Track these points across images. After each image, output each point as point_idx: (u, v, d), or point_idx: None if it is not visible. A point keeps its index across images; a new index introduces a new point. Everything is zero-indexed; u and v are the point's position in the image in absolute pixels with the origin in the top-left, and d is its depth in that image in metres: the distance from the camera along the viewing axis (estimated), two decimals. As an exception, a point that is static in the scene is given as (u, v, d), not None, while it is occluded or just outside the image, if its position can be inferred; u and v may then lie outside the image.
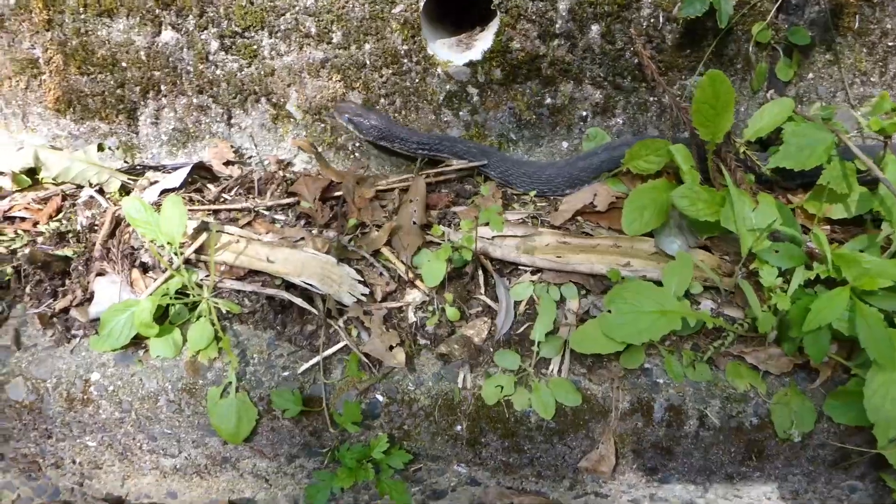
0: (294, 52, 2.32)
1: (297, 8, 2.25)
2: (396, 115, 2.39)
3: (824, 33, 2.28)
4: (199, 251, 2.05)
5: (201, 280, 2.01)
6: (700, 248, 2.11)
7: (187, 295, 1.98)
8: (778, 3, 2.21)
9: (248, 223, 2.22)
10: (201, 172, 2.38)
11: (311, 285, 1.96)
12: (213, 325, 1.91)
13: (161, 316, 1.96)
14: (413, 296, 2.02)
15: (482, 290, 2.03)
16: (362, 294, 2.01)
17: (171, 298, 1.96)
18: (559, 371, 1.86)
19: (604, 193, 2.26)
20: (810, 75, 2.35)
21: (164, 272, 2.01)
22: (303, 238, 2.15)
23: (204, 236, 2.05)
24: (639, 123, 2.38)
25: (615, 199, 2.25)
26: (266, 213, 2.27)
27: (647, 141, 2.14)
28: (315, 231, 2.21)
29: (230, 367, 1.86)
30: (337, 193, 2.31)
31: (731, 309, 1.98)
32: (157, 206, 2.10)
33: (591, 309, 1.99)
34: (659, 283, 1.96)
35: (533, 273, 2.07)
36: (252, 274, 2.03)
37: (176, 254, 1.98)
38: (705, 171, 2.16)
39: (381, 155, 2.45)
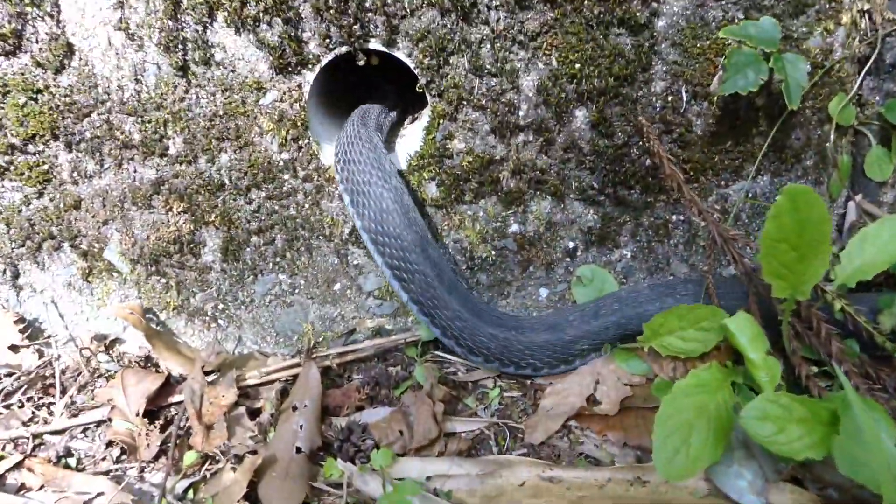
0: (110, 171, 1.47)
1: (107, 104, 1.41)
2: (277, 258, 1.53)
3: (937, 106, 1.45)
4: None
5: None
6: (786, 479, 1.22)
7: None
8: (867, 66, 1.39)
9: (20, 464, 1.32)
10: (-34, 368, 1.49)
11: None
12: None
13: None
14: None
15: None
16: None
17: None
18: None
19: (611, 380, 1.38)
20: (917, 170, 1.51)
21: None
22: (101, 493, 1.24)
23: None
24: (657, 255, 1.53)
25: (631, 391, 1.37)
26: (55, 439, 1.37)
27: (682, 309, 1.28)
28: (136, 469, 1.31)
29: None
30: (177, 398, 1.42)
31: None
32: None
33: None
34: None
35: (499, 554, 1.17)
36: None
37: None
38: (774, 337, 1.30)
39: (260, 321, 1.57)
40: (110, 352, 1.56)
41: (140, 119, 1.43)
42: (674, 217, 1.50)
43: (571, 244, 1.52)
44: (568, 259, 1.53)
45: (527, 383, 1.46)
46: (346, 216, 1.50)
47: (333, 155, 1.43)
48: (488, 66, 1.39)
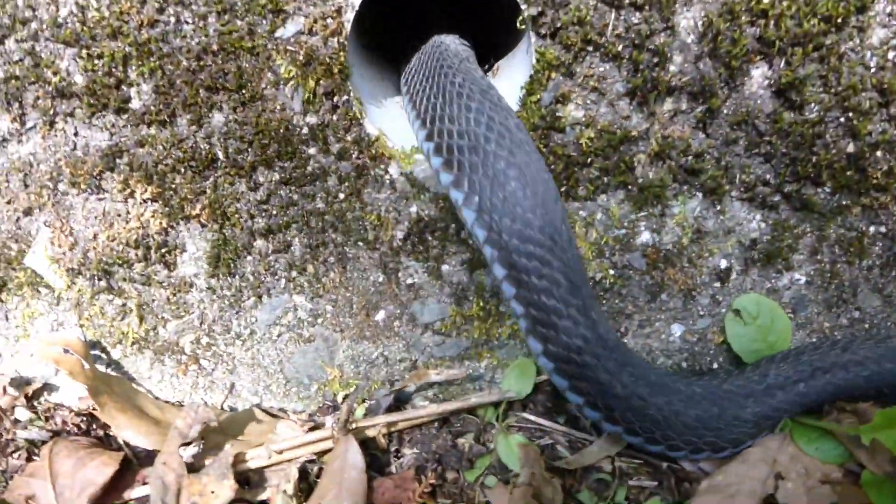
0: (35, 132, 0.94)
1: (31, 25, 0.88)
2: (293, 273, 1.02)
3: None
4: None
5: None
6: None
7: None
8: None
9: None
10: None
11: None
12: None
13: None
14: None
15: None
16: None
17: None
18: None
19: (796, 473, 0.95)
20: None
21: None
22: None
23: None
24: (841, 281, 1.07)
25: (833, 494, 0.92)
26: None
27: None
28: None
29: None
30: (141, 492, 0.92)
31: None
32: None
33: None
34: None
35: None
36: None
37: None
38: None
39: (263, 363, 1.07)
40: (35, 404, 1.04)
41: (85, 52, 0.90)
42: (871, 228, 1.04)
43: (724, 263, 1.05)
44: (717, 283, 1.06)
45: (662, 466, 1.00)
46: (398, 212, 1.00)
47: (405, 93, 0.92)
48: (630, -7, 0.91)
